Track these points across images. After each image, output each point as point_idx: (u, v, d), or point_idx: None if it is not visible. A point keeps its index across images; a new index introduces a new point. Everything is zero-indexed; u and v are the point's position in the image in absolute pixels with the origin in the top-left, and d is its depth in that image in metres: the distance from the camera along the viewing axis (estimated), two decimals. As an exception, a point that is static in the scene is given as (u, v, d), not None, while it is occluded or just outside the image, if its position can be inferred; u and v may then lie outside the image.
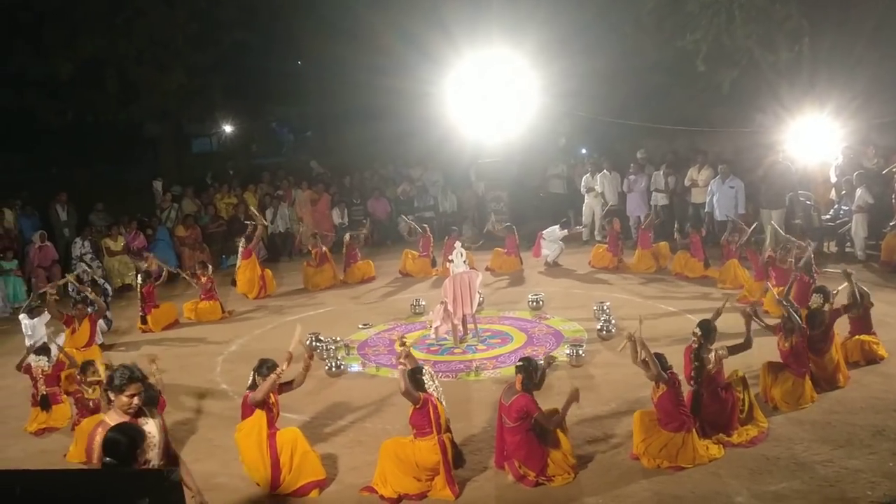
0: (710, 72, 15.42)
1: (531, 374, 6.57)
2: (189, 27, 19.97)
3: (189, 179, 20.39)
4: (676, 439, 6.54)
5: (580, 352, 9.26)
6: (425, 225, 15.66)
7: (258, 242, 14.74)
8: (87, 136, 25.85)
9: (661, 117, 16.05)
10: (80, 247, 15.20)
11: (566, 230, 14.79)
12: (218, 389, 9.27)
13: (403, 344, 7.41)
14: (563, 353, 9.45)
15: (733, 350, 7.24)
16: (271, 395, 6.61)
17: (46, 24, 18.71)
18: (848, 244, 13.77)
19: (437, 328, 10.15)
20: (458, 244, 11.24)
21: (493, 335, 10.70)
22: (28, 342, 9.57)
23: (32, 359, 8.56)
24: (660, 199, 16.41)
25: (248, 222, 14.52)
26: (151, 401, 5.07)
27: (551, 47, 15.32)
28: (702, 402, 6.93)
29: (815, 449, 6.68)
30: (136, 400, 4.70)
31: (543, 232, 14.89)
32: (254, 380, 6.69)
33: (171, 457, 4.89)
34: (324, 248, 14.53)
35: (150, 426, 4.73)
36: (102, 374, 7.83)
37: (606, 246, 14.68)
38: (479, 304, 11.01)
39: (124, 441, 4.22)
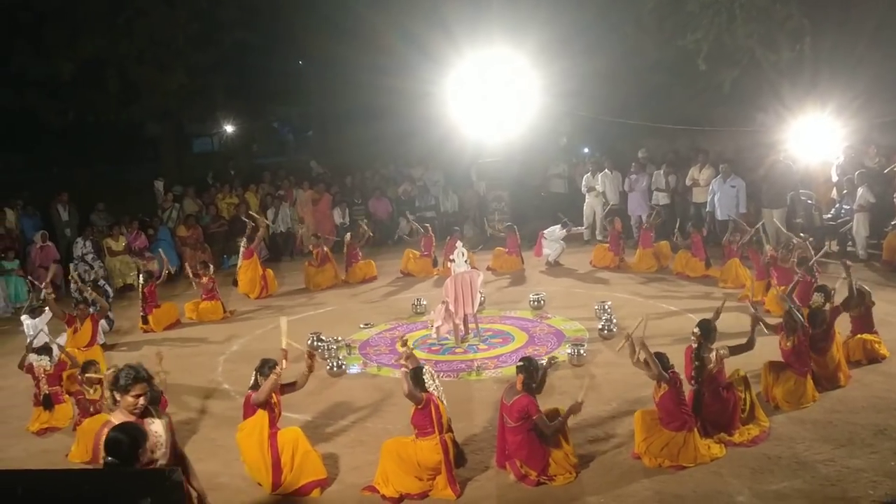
0: (712, 71, 15.44)
1: (532, 373, 6.57)
2: (190, 27, 19.99)
3: (190, 179, 20.41)
4: (678, 438, 6.54)
5: (581, 351, 9.26)
6: (427, 224, 15.66)
7: (259, 242, 14.75)
8: (88, 136, 25.87)
9: (663, 117, 16.06)
10: (82, 247, 15.22)
11: (566, 230, 14.78)
12: (219, 389, 9.28)
13: (405, 344, 7.41)
14: (564, 353, 9.45)
15: (735, 350, 7.24)
16: (273, 395, 6.61)
17: (47, 24, 18.74)
18: (849, 243, 13.76)
19: (438, 328, 10.16)
20: (459, 244, 11.24)
21: (494, 335, 10.69)
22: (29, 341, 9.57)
23: (34, 358, 8.56)
24: (661, 199, 16.40)
25: (247, 221, 14.50)
26: (153, 400, 5.07)
27: (552, 47, 15.33)
28: (703, 401, 6.93)
29: (816, 448, 6.67)
30: (141, 400, 4.68)
31: (544, 231, 14.90)
32: (256, 379, 6.69)
33: (178, 457, 4.88)
34: (325, 248, 14.53)
35: (157, 426, 4.71)
36: (104, 374, 7.85)
37: (608, 245, 14.69)
38: (481, 304, 11.01)
39: (126, 440, 4.21)
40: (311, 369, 7.03)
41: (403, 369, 6.60)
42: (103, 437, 4.41)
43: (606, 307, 10.77)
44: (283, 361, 6.65)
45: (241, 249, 14.12)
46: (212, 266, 13.59)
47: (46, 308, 10.61)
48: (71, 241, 15.86)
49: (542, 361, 7.41)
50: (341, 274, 14.57)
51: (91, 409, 7.73)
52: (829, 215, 14.35)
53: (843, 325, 8.72)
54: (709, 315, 7.62)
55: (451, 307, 10.07)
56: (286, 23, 22.97)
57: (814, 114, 13.50)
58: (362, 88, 21.67)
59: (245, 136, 33.19)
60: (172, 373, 9.17)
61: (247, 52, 22.37)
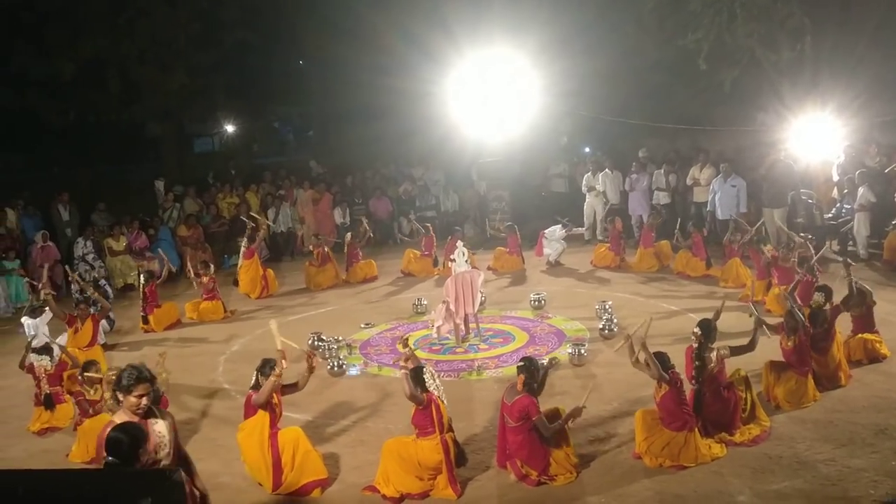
0: (712, 71, 15.43)
1: (533, 373, 6.57)
2: (191, 27, 20.01)
3: (191, 179, 20.41)
4: (679, 438, 6.54)
5: (582, 351, 9.26)
6: (428, 224, 15.67)
7: (261, 243, 14.76)
8: (89, 136, 25.87)
9: (663, 116, 16.05)
10: (83, 247, 15.22)
11: (566, 231, 14.77)
12: (220, 389, 9.28)
13: (406, 344, 7.42)
14: (565, 353, 9.44)
15: (736, 351, 7.23)
16: (274, 395, 6.61)
17: (48, 24, 18.75)
18: (850, 243, 13.75)
19: (439, 327, 10.16)
20: (460, 243, 11.24)
21: (495, 334, 10.69)
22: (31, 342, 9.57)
23: (35, 358, 8.57)
24: (661, 198, 16.40)
25: (247, 221, 14.48)
26: (154, 400, 5.07)
27: (553, 47, 15.33)
28: (704, 401, 6.92)
29: (817, 448, 6.67)
30: (144, 400, 4.67)
31: (545, 231, 14.89)
32: (257, 379, 6.70)
33: (181, 457, 4.87)
34: (326, 248, 14.53)
35: (161, 426, 4.70)
36: (102, 374, 7.85)
37: (608, 245, 14.68)
38: (481, 304, 11.01)
39: (126, 440, 4.21)
40: (311, 370, 7.04)
41: (403, 371, 6.59)
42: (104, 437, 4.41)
43: (607, 307, 10.77)
44: (283, 362, 6.64)
45: (242, 249, 14.13)
46: (212, 266, 13.60)
47: (47, 308, 10.62)
48: (72, 241, 15.87)
49: (543, 361, 7.40)
50: (342, 274, 14.58)
51: (90, 411, 7.72)
52: (830, 215, 14.34)
53: (843, 324, 8.72)
54: (709, 315, 7.61)
55: (452, 307, 10.07)
56: (287, 23, 22.99)
57: (814, 113, 13.49)
58: (363, 88, 21.66)
59: (246, 136, 33.19)
60: (173, 372, 9.18)
61: (248, 52, 22.38)
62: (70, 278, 12.28)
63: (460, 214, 18.76)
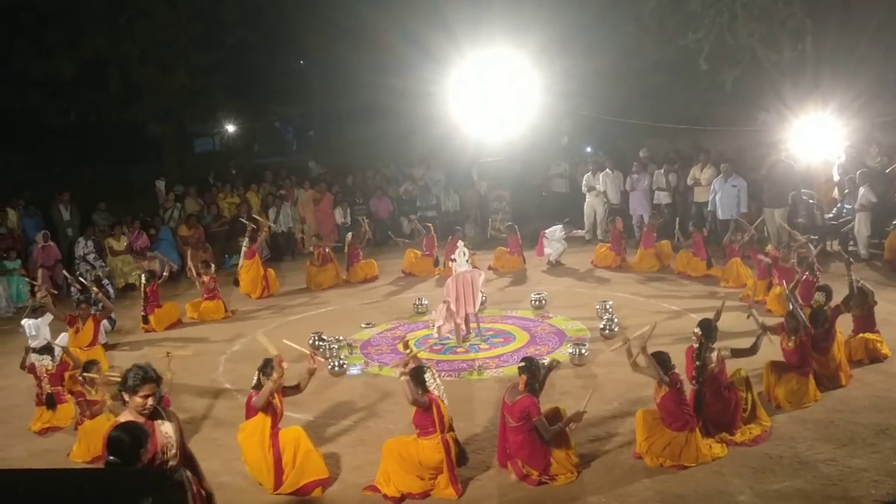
0: (713, 70, 15.43)
1: (535, 374, 6.57)
2: (192, 27, 20.02)
3: (191, 179, 20.42)
4: (679, 438, 6.54)
5: (583, 351, 9.25)
6: (429, 224, 15.68)
7: (262, 243, 14.76)
8: (90, 136, 25.89)
9: (664, 116, 16.05)
10: (84, 246, 15.22)
11: (566, 232, 14.76)
12: (221, 389, 9.28)
13: (407, 346, 7.41)
14: (565, 353, 9.44)
15: (737, 353, 7.22)
16: (275, 395, 6.60)
17: (49, 24, 18.75)
18: (851, 243, 13.74)
19: (439, 327, 10.16)
20: (460, 243, 11.24)
21: (495, 334, 10.70)
22: (31, 343, 9.56)
23: (36, 358, 8.57)
24: (662, 198, 16.39)
25: (247, 223, 14.46)
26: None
27: (553, 47, 15.33)
28: (704, 401, 6.92)
29: (818, 448, 6.67)
30: (150, 401, 4.66)
31: (545, 231, 14.89)
32: (258, 379, 6.69)
33: (186, 458, 4.87)
34: (326, 248, 14.53)
35: (167, 427, 4.69)
36: (99, 375, 7.85)
37: (609, 245, 14.68)
38: (482, 304, 11.02)
39: (127, 440, 4.21)
40: (311, 372, 7.05)
41: (404, 377, 6.56)
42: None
43: (608, 307, 10.77)
44: (281, 366, 6.60)
45: (243, 249, 14.13)
46: (213, 265, 13.60)
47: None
48: (72, 241, 15.87)
49: (544, 361, 7.40)
50: (342, 273, 14.58)
51: (87, 412, 7.70)
52: (831, 215, 14.34)
53: (844, 324, 8.72)
54: (710, 315, 7.61)
55: (453, 307, 10.07)
56: (288, 22, 22.99)
57: (815, 113, 13.48)
58: (363, 88, 21.66)
59: (246, 136, 33.21)
60: (174, 372, 9.17)
61: (248, 52, 22.39)
62: (69, 280, 12.25)
63: (461, 214, 18.76)
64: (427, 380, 6.69)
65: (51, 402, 8.37)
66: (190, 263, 13.40)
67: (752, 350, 7.36)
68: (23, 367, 8.70)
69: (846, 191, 14.05)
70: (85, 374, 7.82)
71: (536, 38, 14.92)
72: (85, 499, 3.33)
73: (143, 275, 12.89)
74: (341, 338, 10.46)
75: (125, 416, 4.66)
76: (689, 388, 6.96)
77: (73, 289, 11.90)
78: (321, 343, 10.15)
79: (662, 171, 16.45)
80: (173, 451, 4.65)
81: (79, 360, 8.49)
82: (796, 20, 14.43)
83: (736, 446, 6.78)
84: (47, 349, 8.73)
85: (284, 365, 6.65)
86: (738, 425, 6.96)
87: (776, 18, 14.61)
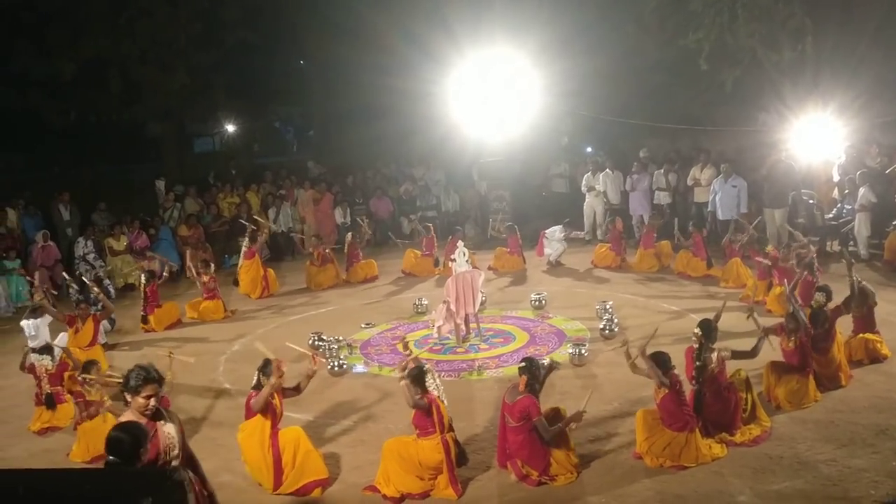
0: (713, 71, 15.43)
1: (535, 374, 6.57)
2: (192, 27, 20.03)
3: (191, 179, 20.43)
4: (679, 438, 6.54)
5: (583, 351, 9.25)
6: (429, 224, 15.69)
7: (263, 244, 14.75)
8: (90, 136, 25.91)
9: (664, 116, 16.06)
10: (83, 246, 15.22)
11: (566, 234, 14.75)
12: (221, 389, 9.28)
13: (406, 346, 7.41)
14: (565, 353, 9.44)
15: (737, 355, 7.20)
16: (275, 396, 6.60)
17: (49, 25, 18.75)
18: (851, 243, 13.74)
19: (439, 327, 10.16)
20: (460, 243, 11.23)
21: (495, 334, 10.69)
22: (31, 343, 9.55)
23: (35, 358, 8.57)
24: (662, 198, 16.40)
25: (248, 224, 14.45)
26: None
27: (553, 47, 15.34)
28: (704, 401, 6.92)
29: (818, 448, 6.67)
30: (152, 401, 4.65)
31: (545, 231, 14.89)
32: (258, 379, 6.68)
33: (188, 458, 4.86)
34: (325, 249, 14.53)
35: (170, 428, 4.69)
36: (105, 371, 7.84)
37: (609, 245, 14.68)
38: (482, 304, 11.02)
39: (127, 439, 4.20)
40: (311, 375, 7.05)
41: (404, 383, 6.55)
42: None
43: (608, 307, 10.77)
44: (280, 370, 6.59)
45: (243, 249, 14.13)
46: (213, 265, 13.60)
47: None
48: (72, 241, 15.87)
49: (544, 362, 7.40)
50: (342, 273, 14.58)
51: (85, 413, 7.69)
52: (831, 215, 14.34)
53: (845, 324, 8.72)
54: (710, 315, 7.60)
55: (453, 307, 10.06)
56: (288, 23, 23.01)
57: (815, 113, 13.48)
58: (364, 88, 21.70)
59: (246, 136, 33.22)
60: (174, 373, 9.17)
61: (248, 52, 22.42)
62: (68, 282, 12.23)
63: (461, 214, 18.76)
64: (427, 380, 6.68)
65: (50, 402, 8.36)
66: (189, 263, 13.39)
67: (753, 353, 7.35)
68: (22, 368, 8.69)
69: (846, 191, 14.05)
70: (83, 375, 7.81)
71: (536, 39, 14.92)
72: (85, 499, 3.33)
73: (142, 275, 12.89)
74: (341, 338, 10.45)
75: (127, 417, 4.65)
76: (688, 389, 6.97)
77: (71, 290, 11.84)
78: (321, 343, 10.15)
79: (662, 171, 16.46)
80: (176, 451, 4.64)
81: (79, 361, 8.48)
82: (796, 20, 14.43)
83: (736, 447, 6.78)
84: (47, 349, 8.72)
85: (283, 368, 6.65)
86: (738, 426, 6.96)
87: (776, 19, 14.61)
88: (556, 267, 14.60)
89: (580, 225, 16.64)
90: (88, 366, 7.91)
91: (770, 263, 11.15)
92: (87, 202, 17.51)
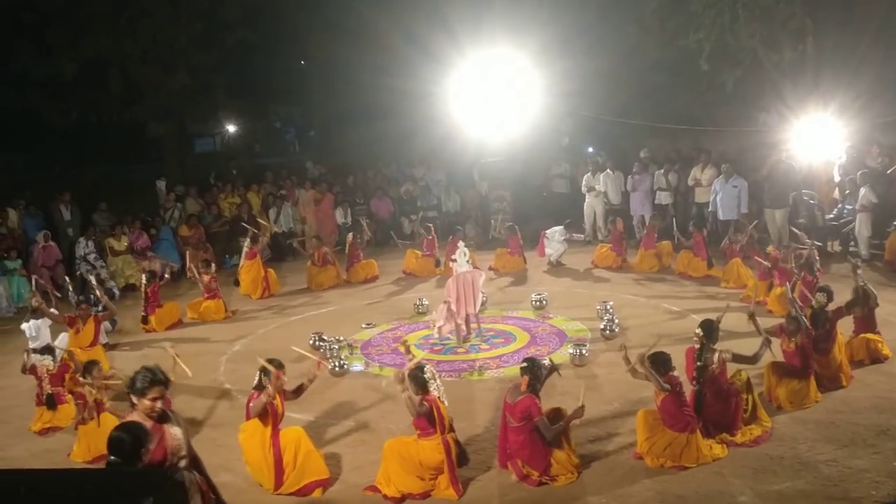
0: (714, 71, 15.42)
1: (537, 374, 6.57)
2: (193, 27, 20.03)
3: (192, 179, 20.44)
4: (680, 439, 6.54)
5: (583, 351, 9.25)
6: (429, 225, 15.69)
7: (264, 246, 14.75)
8: (91, 136, 25.95)
9: (665, 116, 16.06)
10: (84, 246, 15.20)
11: (566, 236, 14.74)
12: (221, 389, 9.28)
13: (408, 350, 7.40)
14: (566, 353, 9.44)
15: (738, 358, 7.18)
16: (277, 396, 6.60)
17: (50, 25, 18.76)
18: (852, 244, 13.74)
19: (440, 328, 10.16)
20: (461, 244, 11.24)
21: (496, 335, 10.69)
22: (31, 344, 9.55)
23: (37, 358, 8.56)
24: (663, 199, 16.40)
25: (248, 227, 14.44)
26: None
27: (554, 47, 15.34)
28: (705, 401, 6.92)
29: (818, 448, 6.67)
30: (159, 403, 4.65)
31: (546, 231, 14.89)
32: (260, 379, 6.68)
33: (193, 459, 4.86)
34: (325, 250, 14.54)
35: (176, 430, 4.68)
36: (106, 372, 7.84)
37: (610, 245, 14.68)
38: (483, 304, 11.02)
39: (128, 439, 4.21)
40: (312, 379, 7.06)
41: (406, 394, 6.51)
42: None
43: (608, 307, 10.77)
44: (279, 378, 6.60)
45: (245, 250, 14.13)
46: (214, 265, 13.60)
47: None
48: (73, 241, 15.86)
49: (545, 362, 7.40)
50: (343, 274, 14.58)
51: (84, 415, 7.68)
52: (832, 215, 14.33)
53: (845, 324, 8.72)
54: (711, 315, 7.60)
55: (453, 307, 10.07)
56: (288, 23, 23.01)
57: (816, 113, 13.48)
58: (364, 88, 21.70)
59: (247, 136, 33.23)
60: (177, 373, 9.17)
61: (249, 52, 22.42)
62: (68, 284, 12.21)
63: (462, 214, 18.76)
64: (427, 379, 6.68)
65: (51, 402, 8.36)
66: (190, 264, 13.40)
67: (754, 359, 7.32)
68: (24, 370, 8.67)
69: (847, 191, 14.05)
70: (82, 379, 7.80)
71: (537, 39, 14.92)
72: (86, 499, 3.33)
73: (143, 275, 12.89)
74: (342, 338, 10.45)
75: (133, 419, 4.64)
76: (689, 389, 6.96)
77: (70, 294, 11.78)
78: (321, 343, 10.15)
79: (663, 171, 16.47)
80: (183, 452, 4.64)
81: (81, 365, 8.47)
82: (797, 21, 14.42)
83: (736, 447, 6.77)
84: (48, 349, 8.73)
85: (283, 378, 6.66)
86: (739, 426, 6.95)
87: (777, 19, 14.60)
88: (556, 267, 14.60)
89: (580, 225, 16.63)
90: (90, 366, 7.91)
91: (770, 265, 11.15)
92: (87, 202, 17.51)
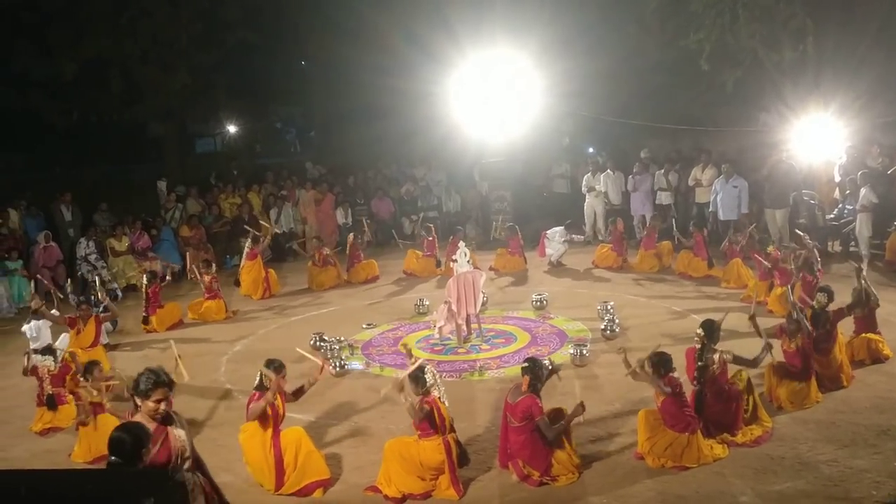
0: (714, 71, 15.42)
1: (538, 374, 6.57)
2: (193, 27, 20.04)
3: (193, 179, 20.43)
4: (681, 439, 6.54)
5: (584, 351, 9.25)
6: (430, 225, 15.69)
7: (266, 248, 14.75)
8: (92, 137, 25.92)
9: (665, 117, 16.05)
10: (85, 247, 15.20)
11: (567, 236, 14.72)
12: (222, 389, 9.28)
13: (410, 355, 7.40)
14: (567, 353, 9.44)
15: (738, 361, 7.18)
16: (277, 396, 6.61)
17: (50, 25, 18.76)
18: (852, 244, 13.74)
19: (440, 328, 10.16)
20: (461, 244, 11.24)
21: (496, 335, 10.69)
22: (33, 345, 9.55)
23: (38, 359, 8.56)
24: (664, 199, 16.40)
25: (250, 229, 14.43)
26: None
27: (554, 47, 15.34)
28: (705, 402, 6.92)
29: (819, 448, 6.67)
30: (162, 405, 4.64)
31: (547, 232, 14.89)
32: (261, 380, 6.69)
33: (195, 461, 4.86)
34: (326, 251, 14.54)
35: (181, 432, 4.68)
36: (107, 373, 7.84)
37: (610, 245, 14.68)
38: (483, 304, 11.01)
39: (129, 440, 4.21)
40: (312, 382, 7.06)
41: (407, 402, 6.49)
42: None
43: (609, 307, 10.77)
44: (279, 385, 6.60)
45: (246, 250, 14.13)
46: (214, 265, 13.59)
47: (53, 310, 10.62)
48: (74, 242, 15.85)
49: (546, 362, 7.40)
50: (344, 274, 14.58)
51: (83, 417, 7.67)
52: (832, 215, 14.33)
53: (846, 324, 8.72)
54: (712, 315, 7.60)
55: (454, 307, 10.06)
56: (289, 23, 23.00)
57: (816, 114, 13.47)
58: (365, 88, 21.69)
59: (248, 137, 33.22)
60: (178, 374, 9.18)
61: (250, 53, 22.42)
62: (69, 286, 12.22)
63: (462, 215, 18.76)
64: (428, 380, 6.68)
65: (51, 403, 8.36)
66: (191, 265, 13.40)
67: (754, 363, 7.31)
68: (25, 372, 8.66)
69: (847, 191, 14.04)
70: (82, 380, 7.79)
71: (538, 39, 14.92)
72: (87, 499, 3.34)
73: (144, 276, 12.89)
74: (342, 338, 10.45)
75: (138, 421, 4.64)
76: (689, 390, 6.96)
77: (71, 294, 11.79)
78: (322, 344, 10.15)
79: (663, 171, 16.46)
80: (187, 454, 4.64)
81: (80, 365, 8.47)
82: (797, 21, 14.41)
83: (737, 447, 6.77)
84: (49, 350, 8.72)
85: (284, 385, 6.67)
86: (740, 426, 6.95)
87: (777, 19, 14.60)
88: (557, 267, 14.60)
89: (581, 227, 16.62)
90: (90, 367, 7.91)
91: (770, 265, 11.14)
92: (88, 203, 17.50)
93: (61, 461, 7.51)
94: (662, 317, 10.99)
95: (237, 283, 14.30)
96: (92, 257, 15.06)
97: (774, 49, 15.01)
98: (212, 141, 36.66)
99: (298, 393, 7.06)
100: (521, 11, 16.60)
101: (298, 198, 18.21)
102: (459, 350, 10.11)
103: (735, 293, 11.58)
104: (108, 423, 7.03)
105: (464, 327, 10.31)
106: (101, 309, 10.75)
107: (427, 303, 12.03)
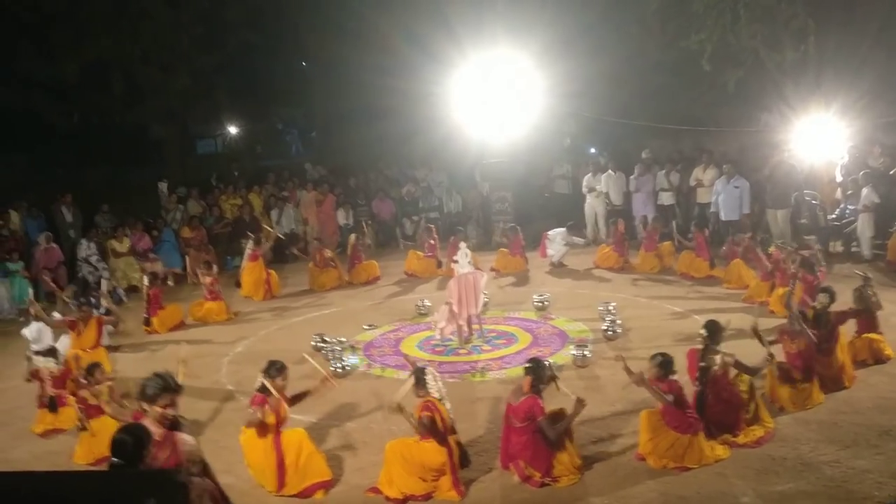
0: (716, 71, 15.43)
1: (540, 375, 6.57)
2: (194, 29, 20.07)
3: (194, 181, 20.43)
4: (683, 440, 6.53)
5: (585, 352, 9.24)
6: (431, 226, 15.69)
7: (268, 251, 14.76)
8: (93, 138, 25.89)
9: (667, 117, 16.05)
10: (86, 248, 15.20)
11: (568, 239, 14.70)
12: (224, 390, 9.28)
13: (413, 364, 7.40)
14: (568, 354, 9.43)
15: (740, 366, 7.16)
16: (279, 397, 6.60)
17: (52, 26, 18.78)
18: (854, 244, 13.73)
19: (442, 329, 10.14)
20: (462, 245, 11.23)
21: (498, 336, 10.68)
22: (34, 346, 9.54)
23: (40, 360, 8.56)
24: (666, 199, 16.38)
25: (251, 235, 14.42)
26: None
27: (556, 48, 15.34)
28: (707, 402, 6.91)
29: (821, 449, 6.66)
30: (169, 410, 4.64)
31: (548, 233, 14.88)
32: (261, 381, 6.68)
33: (202, 465, 4.86)
34: (327, 253, 14.53)
35: (189, 437, 4.68)
36: (108, 372, 7.84)
37: (612, 246, 14.67)
38: (485, 305, 11.01)
39: (130, 441, 4.21)
40: (313, 392, 7.07)
41: (411, 419, 6.50)
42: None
43: (610, 308, 10.76)
44: (280, 392, 6.62)
45: (247, 252, 14.13)
46: (215, 266, 13.60)
47: (54, 311, 10.62)
48: (75, 243, 15.85)
49: (548, 362, 7.39)
50: (345, 275, 14.58)
51: (84, 416, 7.67)
52: (834, 216, 14.32)
53: (848, 324, 8.68)
54: (712, 316, 7.59)
55: (455, 308, 10.05)
56: (290, 24, 23.04)
57: (818, 114, 13.47)
58: (366, 89, 21.71)
59: (249, 138, 33.23)
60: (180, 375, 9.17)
61: (251, 54, 22.47)
62: (67, 297, 12.19)
63: (463, 215, 18.76)
64: (428, 381, 6.68)
65: (53, 404, 8.36)
66: (192, 267, 13.40)
67: (755, 371, 7.29)
68: (27, 378, 8.65)
69: (849, 192, 14.03)
70: (83, 381, 7.79)
71: (539, 40, 14.92)
72: (88, 500, 3.33)
73: (145, 277, 12.90)
74: (344, 339, 10.45)
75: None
76: (691, 390, 6.95)
77: (71, 303, 11.75)
78: (323, 345, 10.14)
79: (664, 171, 16.45)
80: (197, 458, 4.64)
81: (83, 370, 8.46)
82: (799, 21, 14.42)
83: (739, 448, 6.76)
84: (51, 351, 8.72)
85: (283, 384, 6.68)
86: (741, 427, 6.94)
87: (779, 19, 14.60)
88: (558, 268, 14.59)
89: (582, 226, 16.61)
90: (92, 368, 7.92)
91: (771, 266, 11.13)
92: (89, 204, 17.48)
93: (63, 463, 7.51)
94: (664, 317, 10.98)
95: (238, 285, 14.30)
96: (93, 258, 15.07)
97: (776, 49, 15.01)
98: (213, 142, 36.66)
99: (297, 399, 7.04)
100: (521, 12, 16.61)
101: (299, 199, 18.21)
102: (461, 351, 10.10)
103: (736, 294, 11.56)
104: (103, 428, 7.02)
105: (465, 328, 10.30)
106: (102, 311, 10.74)
107: (428, 304, 12.02)
